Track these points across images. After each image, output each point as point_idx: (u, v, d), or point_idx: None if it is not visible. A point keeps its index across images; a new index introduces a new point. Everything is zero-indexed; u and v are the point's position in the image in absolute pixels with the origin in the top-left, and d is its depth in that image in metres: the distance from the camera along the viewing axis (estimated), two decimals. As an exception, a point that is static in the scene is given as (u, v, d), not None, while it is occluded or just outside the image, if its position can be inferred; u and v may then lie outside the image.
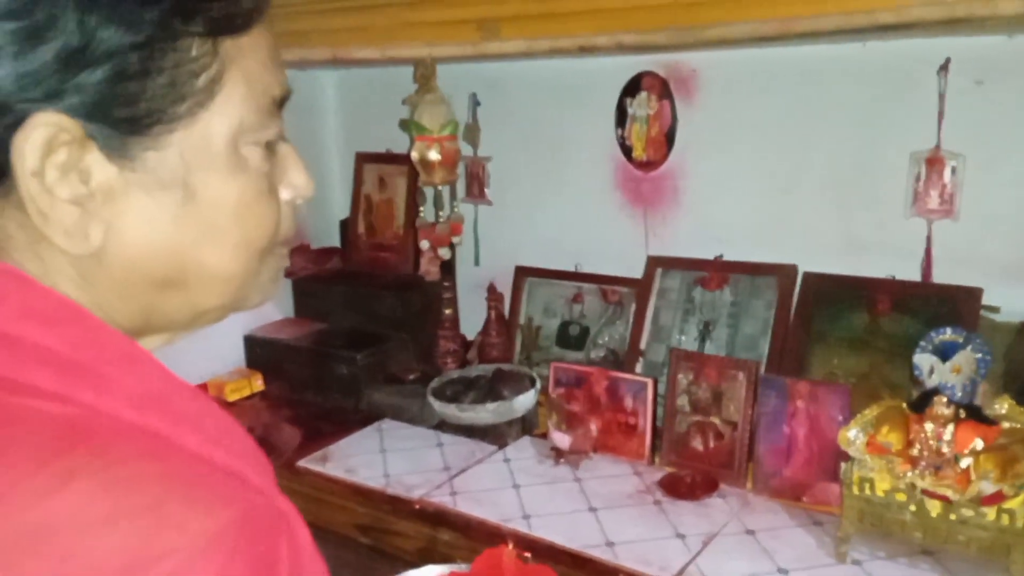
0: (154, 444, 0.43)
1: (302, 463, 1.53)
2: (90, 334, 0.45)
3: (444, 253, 1.54)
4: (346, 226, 2.09)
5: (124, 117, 0.43)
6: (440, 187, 1.49)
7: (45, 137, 0.42)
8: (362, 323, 1.91)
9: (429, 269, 1.86)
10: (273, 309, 2.01)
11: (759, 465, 1.36)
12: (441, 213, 1.54)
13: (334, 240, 2.13)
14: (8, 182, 0.43)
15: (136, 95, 0.43)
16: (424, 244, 1.55)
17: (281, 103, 0.51)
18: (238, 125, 0.47)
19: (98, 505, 0.38)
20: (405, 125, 1.52)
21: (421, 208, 1.57)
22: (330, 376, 1.78)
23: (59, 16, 0.41)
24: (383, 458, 1.53)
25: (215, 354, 1.87)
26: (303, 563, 0.44)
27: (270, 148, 0.50)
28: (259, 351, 1.91)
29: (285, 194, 0.53)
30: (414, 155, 1.47)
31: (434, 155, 1.44)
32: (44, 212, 0.43)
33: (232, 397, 1.81)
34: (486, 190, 1.89)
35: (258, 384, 1.86)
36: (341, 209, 2.11)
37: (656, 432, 1.50)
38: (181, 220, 0.47)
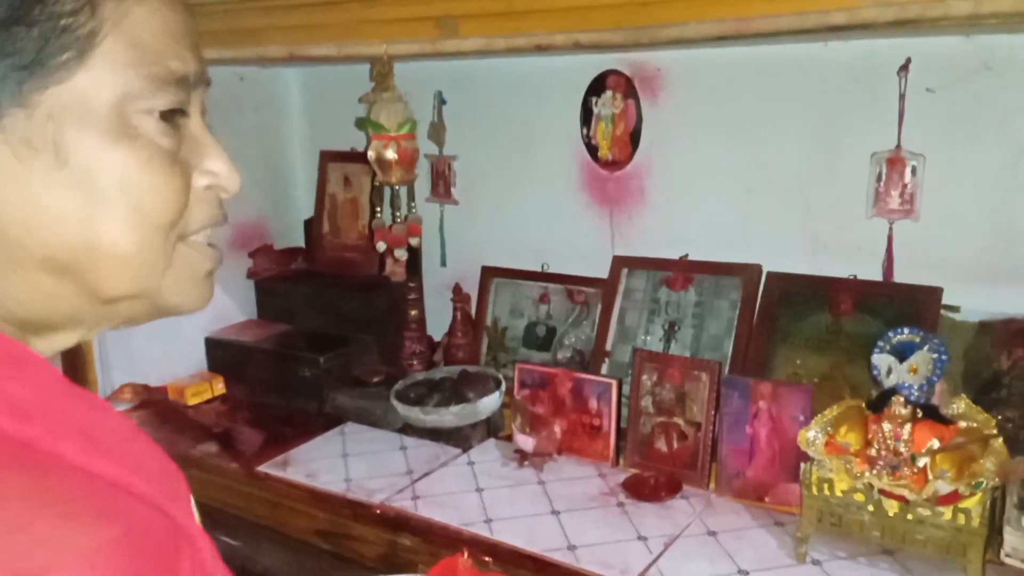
0: (28, 457, 0.39)
1: (262, 468, 1.50)
2: None
3: (401, 255, 1.52)
4: (310, 226, 2.06)
5: None
6: (397, 187, 1.47)
7: None
8: (326, 325, 1.88)
9: (395, 270, 1.84)
10: (235, 311, 1.99)
11: (722, 466, 1.36)
12: (398, 214, 1.52)
13: (298, 240, 2.10)
14: None
15: (2, 46, 0.41)
16: (380, 245, 1.53)
17: (185, 81, 0.48)
18: (123, 90, 0.45)
19: None
20: (362, 124, 1.50)
21: (378, 209, 1.55)
22: (293, 379, 1.75)
23: None
24: (345, 462, 1.51)
25: (175, 356, 1.84)
26: None
27: (172, 122, 0.48)
28: (220, 353, 1.88)
29: (202, 180, 0.51)
30: (371, 154, 1.45)
31: (391, 154, 1.42)
32: None
33: (192, 400, 1.78)
34: (452, 189, 1.87)
35: (219, 387, 1.83)
36: (305, 209, 2.09)
37: (621, 433, 1.49)
38: (55, 187, 0.43)
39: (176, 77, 0.47)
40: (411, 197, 1.52)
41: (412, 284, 1.81)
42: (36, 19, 0.41)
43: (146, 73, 0.45)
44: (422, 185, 1.86)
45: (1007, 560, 0.95)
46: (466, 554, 1.01)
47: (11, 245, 0.44)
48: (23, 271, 0.45)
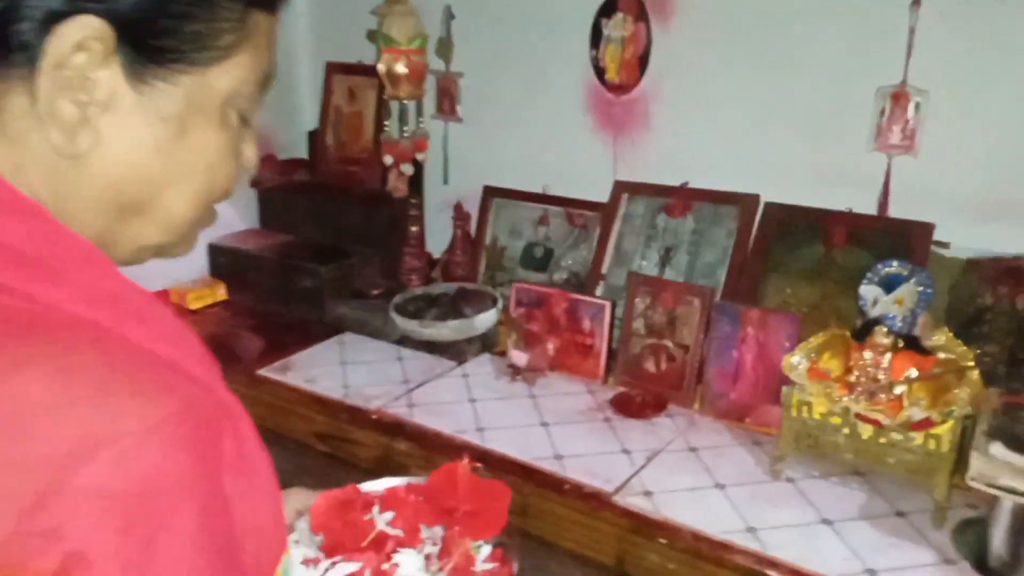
0: (102, 336, 0.45)
1: (263, 372, 1.55)
2: (50, 230, 0.47)
3: (407, 169, 1.53)
4: (314, 137, 2.06)
5: (153, 46, 0.47)
6: (406, 101, 1.47)
7: (81, 37, 0.45)
8: (328, 236, 1.91)
9: (397, 185, 1.85)
10: (238, 219, 2.01)
11: (707, 387, 1.41)
12: (406, 128, 1.53)
13: (302, 151, 2.10)
14: (33, 67, 0.46)
15: (170, 31, 0.48)
16: (388, 159, 1.54)
17: (269, 82, 0.55)
18: (235, 89, 0.52)
19: (47, 391, 0.40)
20: (373, 36, 1.49)
21: (386, 123, 1.55)
22: (294, 288, 1.79)
23: None
24: (343, 370, 1.56)
25: (178, 262, 1.85)
26: (246, 453, 0.47)
27: (244, 120, 0.55)
28: (223, 260, 1.91)
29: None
30: (380, 67, 1.45)
31: (401, 68, 1.42)
32: (50, 102, 0.46)
33: (194, 305, 1.81)
34: (457, 107, 1.87)
35: (221, 293, 1.87)
36: (310, 120, 2.08)
37: (612, 353, 1.54)
38: (165, 153, 0.50)
39: (268, 81, 0.55)
40: (419, 112, 1.52)
41: (414, 200, 1.82)
42: (203, 18, 0.49)
43: (254, 79, 0.53)
44: (428, 102, 1.85)
45: (972, 483, 0.99)
46: (466, 460, 1.05)
47: (102, 185, 0.50)
48: (100, 206, 0.50)
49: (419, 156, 1.54)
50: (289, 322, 1.77)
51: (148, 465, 0.40)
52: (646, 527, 1.13)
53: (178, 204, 0.52)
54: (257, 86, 0.54)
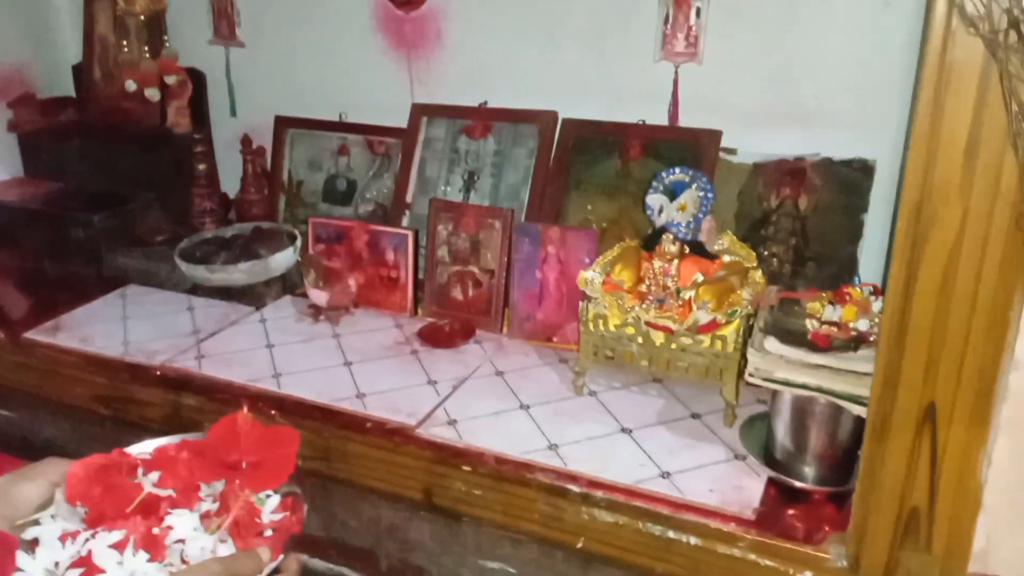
0: None
1: (29, 334, 1.38)
2: None
3: (152, 94, 1.37)
4: (79, 73, 1.84)
5: None
6: (144, 18, 1.31)
7: None
8: (104, 183, 1.72)
9: (178, 121, 1.70)
10: (-3, 168, 1.78)
11: (513, 310, 1.39)
12: (146, 48, 1.36)
13: (67, 89, 1.87)
14: None
15: None
16: (130, 84, 1.38)
17: None
18: None
19: None
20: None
21: (124, 43, 1.37)
22: (66, 241, 1.60)
23: None
24: (124, 325, 1.42)
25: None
26: None
27: None
28: (-19, 216, 1.69)
29: None
30: (109, -23, 1.27)
31: (133, -22, 1.25)
32: None
33: (-54, 268, 1.60)
34: (237, 30, 1.71)
35: (-18, 253, 1.65)
36: (73, 54, 1.85)
37: (419, 285, 1.48)
38: None
39: None
40: (163, 30, 1.36)
41: (198, 136, 1.67)
42: None
43: None
44: (202, 24, 1.69)
45: (750, 379, 1.03)
46: (245, 409, 0.97)
47: None
48: None
49: (169, 79, 1.38)
50: (62, 278, 1.60)
51: None
52: (451, 456, 1.10)
53: None
54: None
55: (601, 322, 1.16)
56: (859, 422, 0.94)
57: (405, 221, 1.61)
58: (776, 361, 1.00)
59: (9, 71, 1.76)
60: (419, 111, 1.62)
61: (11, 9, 1.73)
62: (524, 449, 1.09)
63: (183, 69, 1.60)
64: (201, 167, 1.68)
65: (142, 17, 1.29)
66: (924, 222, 0.75)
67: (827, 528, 0.94)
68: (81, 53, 1.83)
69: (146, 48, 1.33)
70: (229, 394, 1.24)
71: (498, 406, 1.19)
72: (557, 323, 1.36)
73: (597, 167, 1.48)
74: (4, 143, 1.78)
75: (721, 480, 1.02)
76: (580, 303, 1.19)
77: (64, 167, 1.76)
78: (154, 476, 0.76)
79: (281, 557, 0.72)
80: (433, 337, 1.38)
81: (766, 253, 1.38)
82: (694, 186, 1.14)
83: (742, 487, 1.01)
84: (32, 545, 0.69)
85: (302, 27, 1.68)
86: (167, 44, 1.38)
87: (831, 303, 1.06)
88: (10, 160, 1.80)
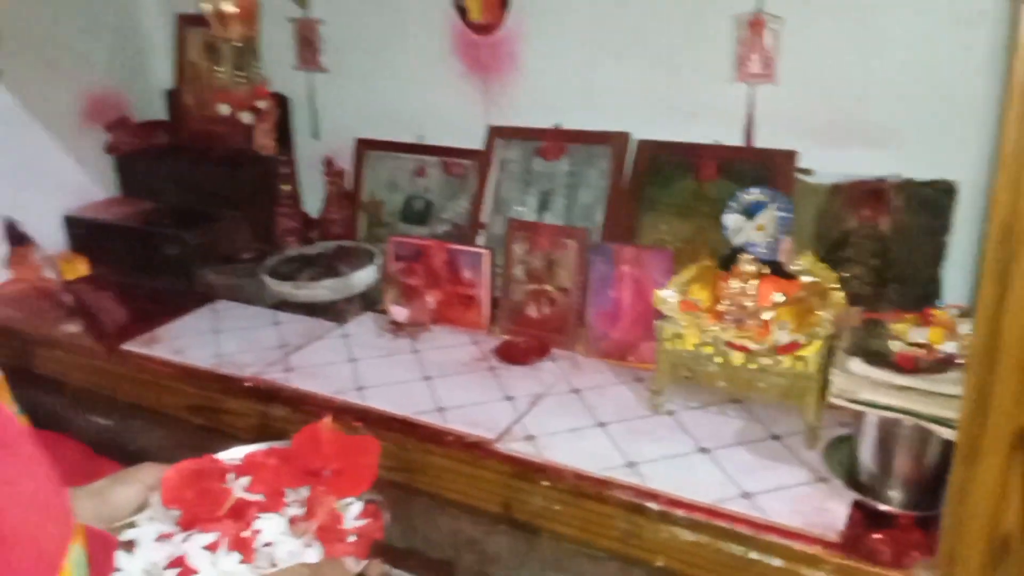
0: None
1: (126, 346, 1.46)
2: None
3: (246, 118, 1.43)
4: (172, 97, 1.93)
5: None
6: (238, 44, 1.37)
7: None
8: (193, 201, 1.80)
9: (264, 143, 1.77)
10: (96, 188, 1.87)
11: (588, 329, 1.40)
12: (241, 74, 1.42)
13: (160, 113, 1.97)
14: None
15: None
16: (223, 108, 1.45)
17: None
18: None
19: None
20: (212, -20, 1.38)
21: (218, 68, 1.44)
22: (159, 257, 1.69)
23: None
24: (216, 339, 1.49)
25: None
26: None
27: None
28: (82, 233, 1.78)
29: None
30: (206, 6, 1.33)
31: (228, 6, 1.31)
32: None
33: (51, 282, 1.69)
34: (320, 57, 1.78)
35: (82, 268, 1.75)
36: (164, 78, 1.95)
37: (495, 302, 1.51)
38: None
39: None
40: (254, 56, 1.42)
41: (283, 158, 1.74)
42: None
43: None
44: (287, 51, 1.76)
45: (834, 400, 1.02)
46: (329, 418, 1.01)
47: None
48: None
49: (260, 104, 1.44)
50: (156, 293, 1.67)
51: None
52: (529, 471, 1.12)
53: None
54: None
55: (678, 341, 1.17)
56: (947, 445, 0.93)
57: (481, 240, 1.64)
58: (861, 382, 1.00)
59: (106, 96, 1.86)
60: (495, 133, 1.66)
61: (108, 38, 1.83)
62: (602, 466, 1.10)
63: (271, 94, 1.67)
64: (285, 187, 1.75)
65: (236, 43, 1.34)
66: (1015, 243, 0.75)
67: (915, 553, 0.93)
68: (172, 79, 1.93)
69: (237, 73, 1.40)
70: (315, 406, 1.29)
71: (575, 423, 1.21)
72: (632, 342, 1.37)
73: (671, 187, 1.49)
74: (102, 164, 1.89)
75: (804, 502, 1.02)
76: (656, 322, 1.20)
77: (157, 187, 1.85)
78: (244, 481, 0.80)
79: (365, 563, 0.75)
80: (509, 354, 1.41)
81: (846, 275, 1.37)
82: (772, 206, 1.15)
83: (826, 509, 1.00)
84: (129, 546, 0.74)
85: (382, 53, 1.74)
86: (258, 70, 1.44)
87: (916, 324, 1.05)
88: (108, 180, 1.90)
